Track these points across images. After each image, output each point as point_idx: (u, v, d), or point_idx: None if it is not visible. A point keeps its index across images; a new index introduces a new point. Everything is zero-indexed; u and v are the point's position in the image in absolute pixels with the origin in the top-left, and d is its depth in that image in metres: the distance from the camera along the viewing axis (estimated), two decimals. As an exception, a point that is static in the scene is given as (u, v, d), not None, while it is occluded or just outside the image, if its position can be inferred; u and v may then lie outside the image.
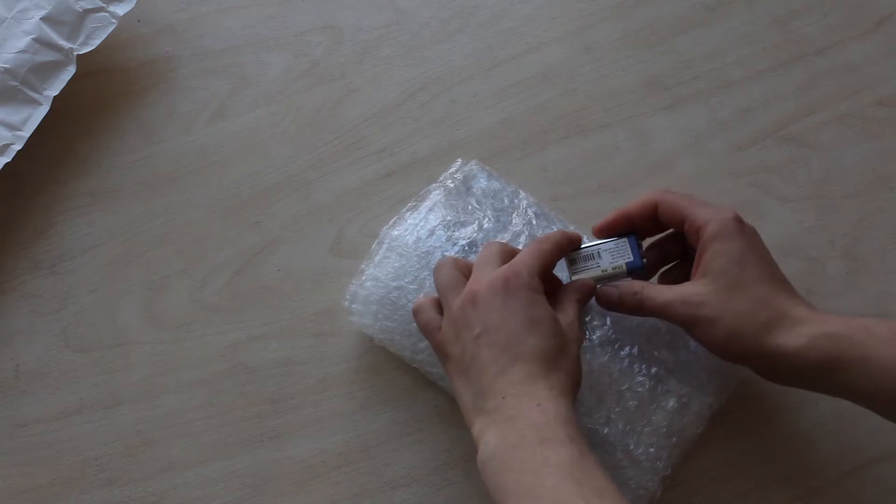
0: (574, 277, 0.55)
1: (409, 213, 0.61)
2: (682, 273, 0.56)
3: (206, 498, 0.57)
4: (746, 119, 0.67)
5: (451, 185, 0.62)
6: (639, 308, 0.52)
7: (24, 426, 0.59)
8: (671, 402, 0.56)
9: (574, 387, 0.49)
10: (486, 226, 0.60)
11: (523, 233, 0.60)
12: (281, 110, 0.68)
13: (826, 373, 0.47)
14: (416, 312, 0.54)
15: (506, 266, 0.51)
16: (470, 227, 0.60)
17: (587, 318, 0.57)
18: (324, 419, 0.59)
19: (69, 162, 0.66)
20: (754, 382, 0.59)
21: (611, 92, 0.68)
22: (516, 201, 0.61)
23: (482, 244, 0.59)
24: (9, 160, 0.61)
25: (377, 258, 0.59)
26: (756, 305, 0.49)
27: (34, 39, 0.63)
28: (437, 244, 0.59)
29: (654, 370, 0.57)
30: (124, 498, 0.57)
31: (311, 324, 0.61)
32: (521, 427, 0.46)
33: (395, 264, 0.58)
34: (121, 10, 0.65)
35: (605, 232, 0.56)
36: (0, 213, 0.64)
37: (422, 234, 0.59)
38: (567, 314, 0.51)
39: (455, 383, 0.51)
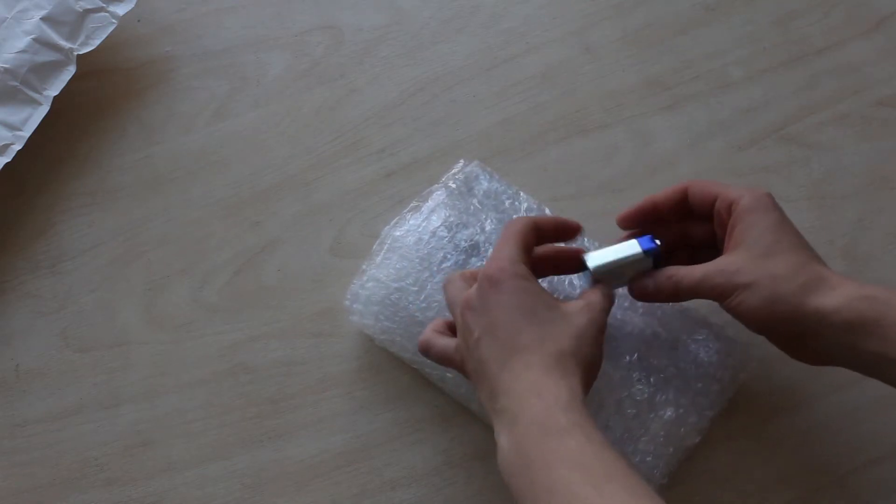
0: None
1: (410, 213, 0.61)
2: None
3: (206, 498, 0.57)
4: (746, 119, 0.67)
5: (454, 186, 0.62)
6: (676, 290, 0.51)
7: (24, 426, 0.59)
8: (669, 412, 0.56)
9: (580, 367, 0.47)
10: (487, 228, 0.60)
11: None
12: (281, 110, 0.68)
13: (863, 336, 0.46)
14: (426, 351, 0.53)
15: (487, 264, 0.50)
16: (472, 229, 0.60)
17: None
18: (324, 419, 0.59)
19: (69, 162, 0.66)
20: (755, 383, 0.59)
21: (611, 92, 0.68)
22: (517, 203, 0.61)
23: (484, 246, 0.59)
24: (9, 160, 0.61)
25: (378, 259, 0.59)
26: (793, 269, 0.48)
27: (34, 39, 0.63)
28: (439, 245, 0.59)
29: (652, 379, 0.57)
30: (124, 498, 0.57)
31: (311, 324, 0.61)
32: (526, 423, 0.45)
33: (397, 265, 0.58)
34: (121, 10, 0.65)
35: (630, 219, 0.55)
36: (0, 213, 0.64)
37: (424, 235, 0.59)
38: (584, 298, 0.51)
39: (477, 393, 0.50)
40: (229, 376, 0.60)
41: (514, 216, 0.61)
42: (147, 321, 0.62)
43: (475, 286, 0.50)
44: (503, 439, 0.46)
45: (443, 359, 0.52)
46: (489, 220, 0.60)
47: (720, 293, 0.50)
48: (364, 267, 0.59)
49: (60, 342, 0.61)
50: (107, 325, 0.61)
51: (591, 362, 0.49)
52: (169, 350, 0.61)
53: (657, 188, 0.63)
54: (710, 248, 0.55)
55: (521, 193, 0.62)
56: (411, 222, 0.60)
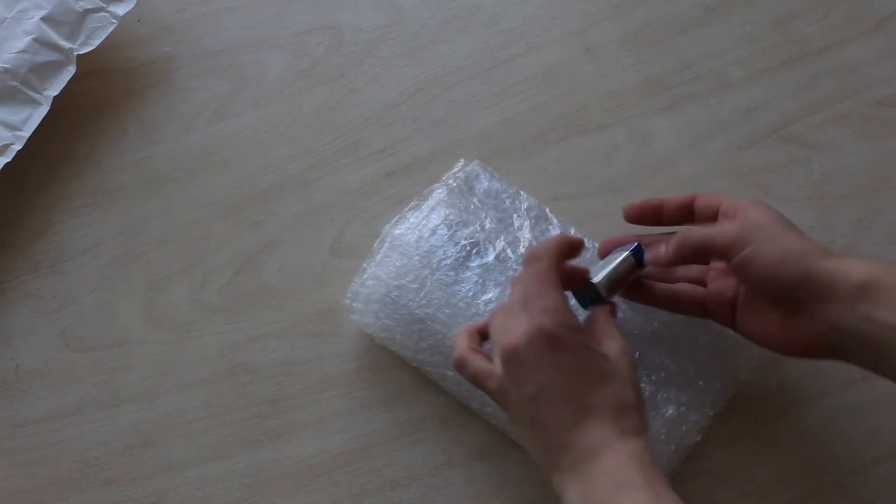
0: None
1: (411, 212, 0.61)
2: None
3: (206, 498, 0.57)
4: (746, 119, 0.67)
5: (454, 185, 0.62)
6: (683, 244, 0.50)
7: (24, 426, 0.59)
8: (670, 410, 0.56)
9: (641, 415, 0.48)
10: (487, 226, 0.60)
11: (523, 235, 0.60)
12: (281, 110, 0.68)
13: (877, 303, 0.45)
14: (460, 367, 0.52)
15: (537, 313, 0.48)
16: (472, 227, 0.60)
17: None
18: (324, 419, 0.59)
19: (69, 162, 0.66)
20: (755, 383, 0.59)
21: (611, 92, 0.68)
22: (517, 202, 0.61)
23: (484, 244, 0.59)
24: (9, 160, 0.61)
25: (379, 257, 0.59)
26: (804, 241, 0.49)
27: (34, 39, 0.63)
28: (439, 243, 0.59)
29: (654, 377, 0.57)
30: (124, 498, 0.57)
31: (311, 324, 0.61)
32: (598, 477, 0.45)
33: (397, 263, 0.58)
34: (121, 10, 0.65)
35: (636, 209, 0.55)
36: (0, 213, 0.64)
37: (424, 232, 0.59)
38: (616, 339, 0.50)
39: (520, 431, 0.49)
40: (229, 376, 0.60)
41: (515, 216, 0.61)
42: (147, 321, 0.62)
43: (525, 337, 0.47)
44: (573, 493, 0.45)
45: (476, 382, 0.51)
46: (489, 219, 0.60)
47: (734, 243, 0.48)
48: (364, 265, 0.59)
49: (60, 342, 0.61)
50: (107, 325, 0.61)
51: (643, 405, 0.49)
52: (169, 350, 0.61)
53: (657, 188, 0.64)
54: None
55: (522, 193, 0.62)
56: (411, 220, 0.60)
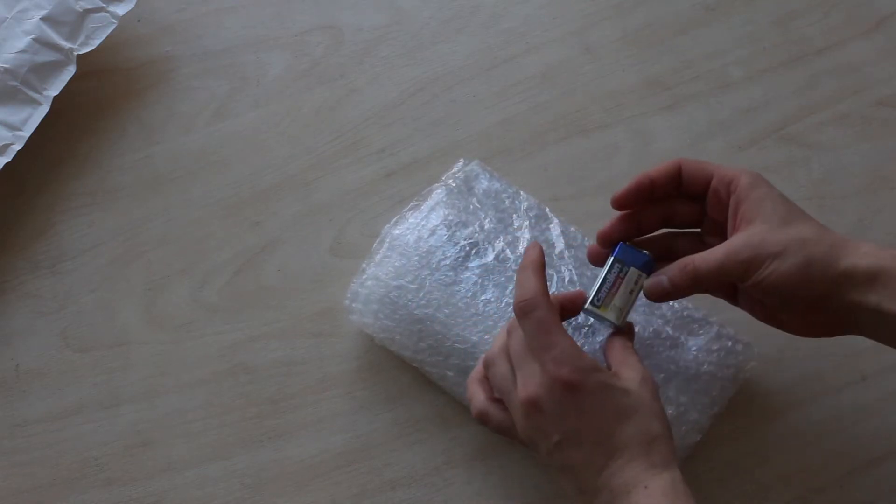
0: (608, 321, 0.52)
1: (410, 212, 0.61)
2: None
3: (206, 498, 0.57)
4: (746, 119, 0.67)
5: (453, 185, 0.62)
6: (695, 279, 0.49)
7: (24, 426, 0.59)
8: (670, 410, 0.55)
9: (670, 444, 0.47)
10: (486, 226, 0.60)
11: (523, 235, 0.60)
12: (281, 110, 0.68)
13: (888, 294, 0.45)
14: (483, 420, 0.51)
15: (550, 365, 0.46)
16: (471, 228, 0.60)
17: (588, 323, 0.57)
18: (324, 419, 0.59)
19: (69, 162, 0.66)
20: (755, 383, 0.59)
21: (611, 92, 0.68)
22: (517, 202, 0.61)
23: (483, 245, 0.59)
24: (9, 160, 0.61)
25: (378, 257, 0.59)
26: (817, 232, 0.48)
27: (34, 39, 0.63)
28: (438, 244, 0.59)
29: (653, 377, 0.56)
30: (124, 498, 0.57)
31: (311, 324, 0.61)
32: None
33: (396, 263, 0.58)
34: (121, 10, 0.65)
35: (626, 198, 0.52)
36: (0, 213, 0.64)
37: (423, 233, 0.59)
38: (634, 367, 0.49)
39: (550, 469, 0.49)
40: (229, 376, 0.60)
41: (514, 216, 0.61)
42: (147, 321, 0.62)
43: (544, 388, 0.46)
44: None
45: (502, 433, 0.51)
46: (489, 219, 0.60)
47: (747, 268, 0.47)
48: (364, 266, 0.59)
49: (60, 342, 0.61)
50: (107, 325, 0.62)
51: (671, 434, 0.48)
52: (169, 350, 0.61)
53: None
54: (692, 232, 0.54)
55: (521, 193, 0.62)
56: (411, 220, 0.60)
